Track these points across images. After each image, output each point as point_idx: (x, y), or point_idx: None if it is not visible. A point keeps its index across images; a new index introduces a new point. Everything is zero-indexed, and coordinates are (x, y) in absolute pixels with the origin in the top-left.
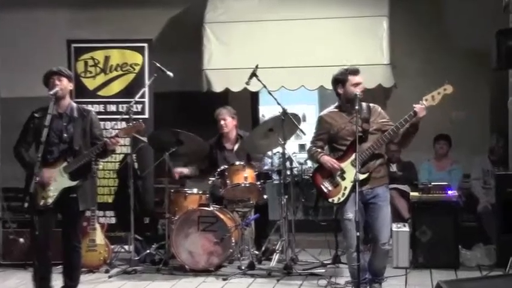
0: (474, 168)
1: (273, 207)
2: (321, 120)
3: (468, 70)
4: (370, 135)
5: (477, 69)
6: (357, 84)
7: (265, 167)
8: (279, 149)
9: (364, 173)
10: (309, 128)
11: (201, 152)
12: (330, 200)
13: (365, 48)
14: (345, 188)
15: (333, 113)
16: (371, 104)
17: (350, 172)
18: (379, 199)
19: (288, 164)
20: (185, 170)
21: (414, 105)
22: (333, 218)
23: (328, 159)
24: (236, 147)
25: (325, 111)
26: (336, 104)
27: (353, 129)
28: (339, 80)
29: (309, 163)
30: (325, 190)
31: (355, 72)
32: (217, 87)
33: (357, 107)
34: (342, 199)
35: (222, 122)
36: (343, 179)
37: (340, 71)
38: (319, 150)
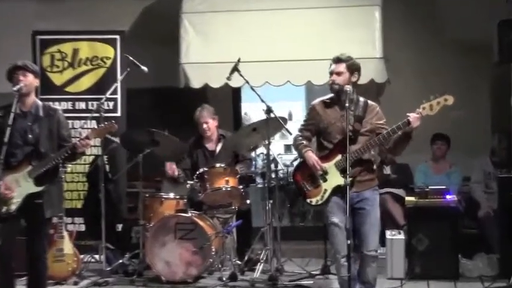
0: (475, 171)
1: (256, 213)
2: (312, 109)
3: (467, 64)
4: (360, 137)
5: (477, 63)
6: (335, 73)
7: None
8: (263, 150)
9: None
10: (295, 127)
11: (178, 154)
12: (308, 200)
13: (356, 40)
14: (325, 190)
15: (326, 105)
16: (369, 102)
17: (332, 174)
18: (366, 203)
19: (272, 166)
20: (176, 171)
21: (408, 114)
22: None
23: (311, 156)
24: (219, 148)
25: (318, 100)
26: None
27: (343, 126)
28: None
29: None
30: (305, 189)
31: (334, 60)
32: (196, 83)
33: (347, 104)
34: (320, 202)
35: (205, 126)
36: (325, 180)
37: None
38: (304, 142)
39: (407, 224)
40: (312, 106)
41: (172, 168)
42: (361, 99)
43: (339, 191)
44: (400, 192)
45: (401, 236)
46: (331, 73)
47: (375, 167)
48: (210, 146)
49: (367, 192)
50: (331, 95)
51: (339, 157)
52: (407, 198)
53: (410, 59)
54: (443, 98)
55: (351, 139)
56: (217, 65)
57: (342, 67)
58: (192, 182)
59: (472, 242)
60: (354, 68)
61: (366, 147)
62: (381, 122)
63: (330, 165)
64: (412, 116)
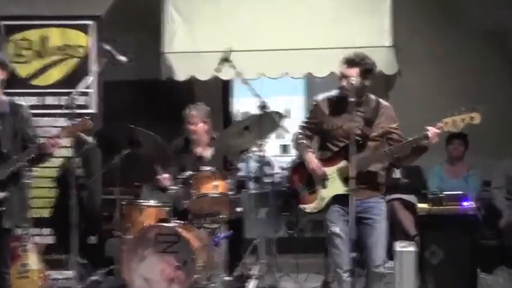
0: (496, 175)
1: (249, 223)
2: (315, 107)
3: (487, 53)
4: (369, 142)
5: (499, 52)
6: (345, 77)
7: (239, 173)
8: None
9: (348, 187)
10: (293, 126)
11: (162, 156)
12: (302, 206)
13: (363, 27)
14: (323, 198)
15: (332, 103)
16: (382, 101)
17: (333, 182)
18: (371, 213)
19: (267, 169)
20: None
21: (428, 128)
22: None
23: (312, 159)
24: (210, 153)
25: (323, 97)
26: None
27: (351, 129)
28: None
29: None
30: (300, 193)
31: (347, 61)
32: (181, 75)
33: (352, 99)
34: (315, 210)
35: (191, 127)
36: (324, 186)
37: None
38: (305, 142)
39: (420, 235)
40: (316, 103)
41: (167, 178)
42: (372, 97)
43: (338, 200)
44: (411, 198)
45: (413, 248)
46: (343, 77)
47: (381, 179)
48: (199, 150)
49: (372, 201)
50: (338, 90)
51: (343, 163)
52: (420, 206)
53: (423, 48)
54: (469, 115)
55: (359, 144)
56: (205, 55)
57: (355, 72)
58: (175, 188)
59: (492, 254)
60: (368, 71)
61: (375, 158)
62: (394, 125)
63: (332, 171)
64: (432, 131)
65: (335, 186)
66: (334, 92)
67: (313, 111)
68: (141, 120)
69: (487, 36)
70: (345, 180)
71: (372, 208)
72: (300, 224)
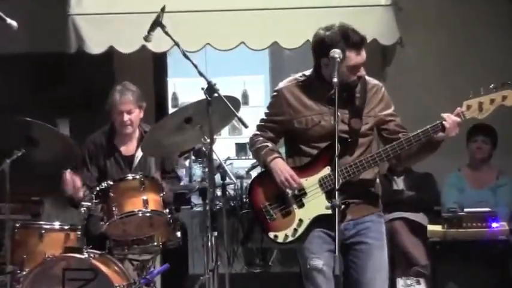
0: None
1: (193, 253)
2: (279, 97)
3: None
4: (361, 139)
5: None
6: (356, 68)
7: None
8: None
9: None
10: (253, 115)
11: (69, 160)
12: (272, 235)
13: None
14: (300, 221)
15: (304, 91)
16: (370, 80)
17: (314, 197)
18: (367, 236)
19: (217, 178)
20: (79, 182)
21: (444, 116)
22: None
23: (283, 167)
24: (140, 152)
25: (290, 83)
26: (310, 72)
27: (333, 125)
28: (327, 47)
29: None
30: (267, 217)
31: (358, 44)
32: (96, 46)
33: (335, 80)
34: (290, 238)
35: (126, 118)
36: (300, 205)
37: (333, 32)
38: (269, 145)
39: (432, 268)
40: (279, 92)
41: (74, 182)
42: None
43: (321, 222)
44: (419, 217)
45: (422, 286)
46: (353, 68)
47: (378, 188)
48: (126, 149)
49: (368, 219)
50: (309, 71)
51: (326, 171)
52: (431, 228)
53: (434, 8)
54: (501, 94)
55: (348, 144)
56: (129, 18)
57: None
58: (88, 204)
59: None
60: None
61: (373, 159)
62: (389, 111)
63: (311, 183)
64: (450, 120)
65: (316, 205)
66: (302, 75)
67: (277, 104)
68: (41, 110)
69: None
70: (330, 193)
71: (367, 230)
72: (264, 254)
